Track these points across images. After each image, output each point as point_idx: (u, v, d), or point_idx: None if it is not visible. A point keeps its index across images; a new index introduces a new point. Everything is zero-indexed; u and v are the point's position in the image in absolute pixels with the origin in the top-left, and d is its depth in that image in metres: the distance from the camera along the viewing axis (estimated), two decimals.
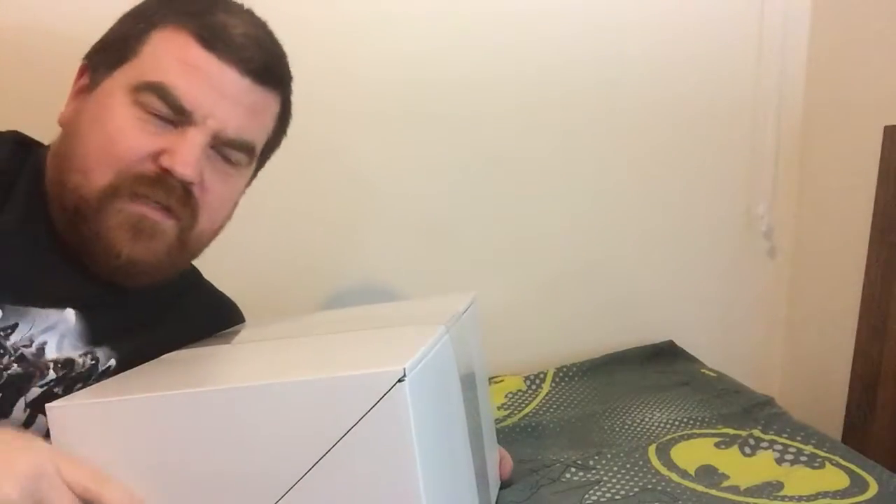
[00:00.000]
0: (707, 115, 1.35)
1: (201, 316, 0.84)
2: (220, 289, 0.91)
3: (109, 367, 0.72)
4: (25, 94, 0.92)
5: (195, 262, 0.80)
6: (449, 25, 1.22)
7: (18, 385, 0.67)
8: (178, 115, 0.65)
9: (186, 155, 0.65)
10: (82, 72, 0.72)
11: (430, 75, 1.22)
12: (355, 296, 1.25)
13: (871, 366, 1.20)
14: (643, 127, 1.33)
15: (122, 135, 0.65)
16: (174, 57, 0.66)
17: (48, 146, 0.73)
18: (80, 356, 0.71)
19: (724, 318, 1.41)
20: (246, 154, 0.71)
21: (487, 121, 1.26)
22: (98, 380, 0.71)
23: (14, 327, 0.67)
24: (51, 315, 0.69)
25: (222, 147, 0.69)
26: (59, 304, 0.69)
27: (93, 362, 0.72)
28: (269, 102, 0.72)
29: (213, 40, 0.66)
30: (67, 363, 0.70)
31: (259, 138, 0.73)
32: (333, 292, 1.25)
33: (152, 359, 0.72)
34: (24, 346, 0.67)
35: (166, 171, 0.65)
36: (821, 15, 1.33)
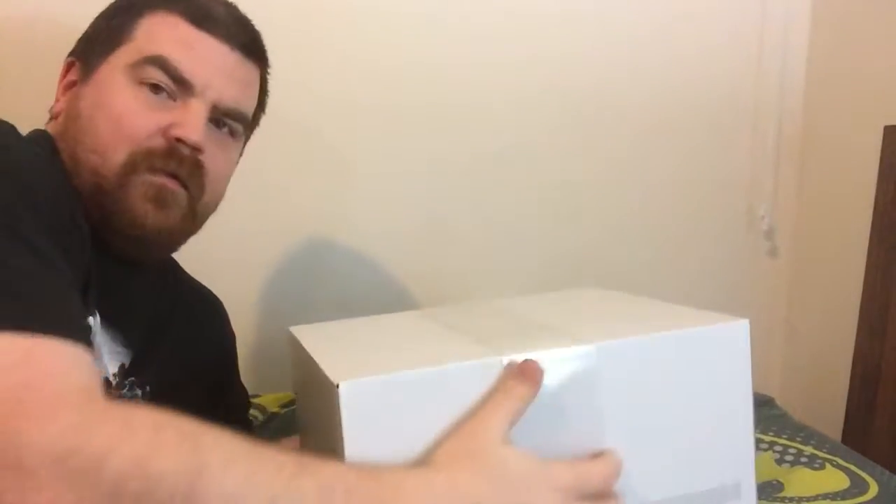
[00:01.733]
0: (708, 116, 1.35)
1: (191, 306, 0.85)
2: (218, 285, 0.92)
3: (123, 364, 0.72)
4: (25, 87, 0.92)
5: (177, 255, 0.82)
6: (448, 22, 1.22)
7: None
8: (178, 86, 0.69)
9: (194, 124, 0.69)
10: (69, 67, 0.74)
11: (431, 72, 1.22)
12: (351, 295, 1.25)
13: (871, 366, 1.20)
14: (644, 127, 1.33)
15: (130, 113, 0.68)
16: (168, 36, 0.70)
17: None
18: (114, 376, 0.71)
19: None
20: (242, 124, 0.76)
21: (487, 119, 1.26)
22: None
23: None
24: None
25: (221, 117, 0.73)
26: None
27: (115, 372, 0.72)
28: (255, 76, 0.77)
29: (202, 19, 0.71)
30: (105, 384, 0.70)
31: (251, 109, 0.78)
32: (328, 291, 1.25)
33: (159, 350, 0.75)
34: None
35: (178, 142, 0.68)
36: (821, 15, 1.33)
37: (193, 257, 0.84)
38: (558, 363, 0.56)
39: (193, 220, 0.73)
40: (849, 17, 1.29)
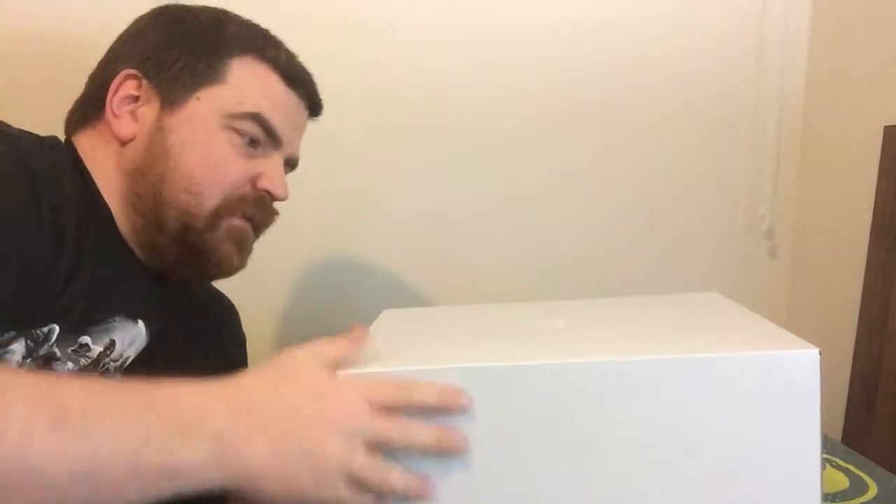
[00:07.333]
0: (707, 115, 1.35)
1: (204, 309, 0.87)
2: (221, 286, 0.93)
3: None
4: (28, 98, 0.92)
5: None
6: (452, 26, 1.22)
7: None
8: (268, 139, 0.76)
9: (280, 178, 0.77)
10: (125, 79, 0.73)
11: (429, 70, 1.22)
12: (354, 294, 1.25)
13: (871, 365, 1.20)
14: (643, 127, 1.33)
15: (227, 161, 0.73)
16: (264, 91, 0.76)
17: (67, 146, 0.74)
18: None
19: None
20: (293, 170, 0.83)
21: (486, 118, 1.26)
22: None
23: (112, 345, 0.71)
24: (130, 327, 0.73)
25: (286, 166, 0.81)
26: (136, 314, 0.74)
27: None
28: None
29: (292, 79, 0.78)
30: None
31: None
32: (331, 290, 1.25)
33: (162, 350, 0.77)
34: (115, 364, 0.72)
35: (266, 192, 0.76)
36: (821, 15, 1.33)
37: None
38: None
39: None
40: (849, 17, 1.29)
